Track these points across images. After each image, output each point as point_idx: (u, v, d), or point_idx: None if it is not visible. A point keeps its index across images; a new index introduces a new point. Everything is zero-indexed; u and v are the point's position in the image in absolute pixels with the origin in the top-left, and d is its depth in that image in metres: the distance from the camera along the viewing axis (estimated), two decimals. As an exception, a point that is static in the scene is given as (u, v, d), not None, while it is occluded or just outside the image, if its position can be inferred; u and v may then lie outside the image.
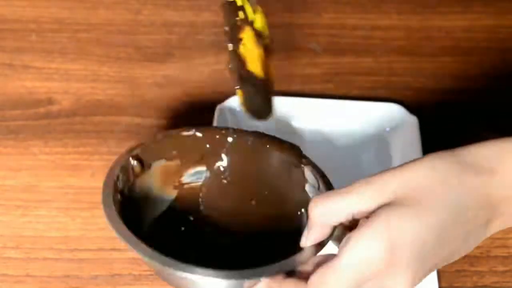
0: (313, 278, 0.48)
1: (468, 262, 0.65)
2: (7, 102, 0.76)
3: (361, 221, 0.49)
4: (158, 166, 0.62)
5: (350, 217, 0.50)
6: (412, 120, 0.75)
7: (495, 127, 0.76)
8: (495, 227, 0.50)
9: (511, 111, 0.78)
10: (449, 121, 0.77)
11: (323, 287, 0.48)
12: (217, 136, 0.63)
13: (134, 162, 0.60)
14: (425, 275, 0.49)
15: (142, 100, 0.78)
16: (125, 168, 0.59)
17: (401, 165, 0.50)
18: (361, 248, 0.47)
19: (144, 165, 0.61)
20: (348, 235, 0.48)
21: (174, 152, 0.63)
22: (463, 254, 0.50)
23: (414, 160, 0.50)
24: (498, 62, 0.83)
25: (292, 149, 0.62)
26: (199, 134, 0.63)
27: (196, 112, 0.77)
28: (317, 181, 0.60)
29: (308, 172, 0.61)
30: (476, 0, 0.90)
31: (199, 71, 0.81)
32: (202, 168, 0.64)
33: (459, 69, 0.82)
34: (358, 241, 0.47)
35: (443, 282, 0.64)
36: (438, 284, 0.63)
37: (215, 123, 0.72)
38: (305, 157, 0.61)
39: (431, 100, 0.79)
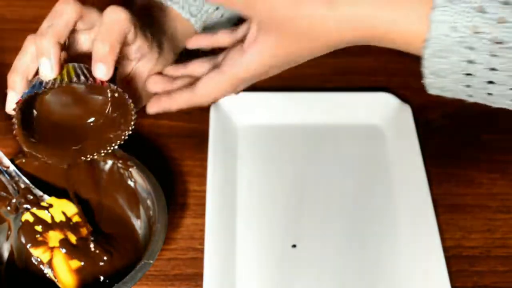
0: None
1: (468, 262, 0.66)
2: (7, 102, 0.76)
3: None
4: None
5: None
6: (404, 108, 0.75)
7: (495, 127, 0.77)
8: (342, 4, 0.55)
9: (511, 111, 0.78)
10: (449, 121, 0.77)
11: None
12: None
13: None
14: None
15: (142, 100, 0.78)
16: None
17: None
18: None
19: None
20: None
21: None
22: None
23: None
24: (498, 62, 0.83)
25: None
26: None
27: (195, 111, 0.77)
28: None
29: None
30: (476, 0, 0.90)
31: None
32: None
33: (459, 69, 0.82)
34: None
35: (443, 282, 0.64)
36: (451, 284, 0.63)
37: (211, 122, 0.74)
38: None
39: (431, 100, 0.79)
